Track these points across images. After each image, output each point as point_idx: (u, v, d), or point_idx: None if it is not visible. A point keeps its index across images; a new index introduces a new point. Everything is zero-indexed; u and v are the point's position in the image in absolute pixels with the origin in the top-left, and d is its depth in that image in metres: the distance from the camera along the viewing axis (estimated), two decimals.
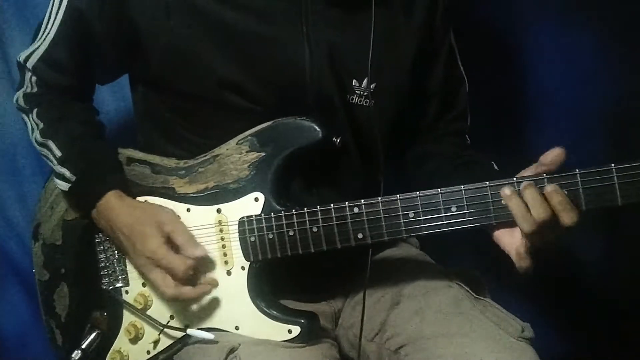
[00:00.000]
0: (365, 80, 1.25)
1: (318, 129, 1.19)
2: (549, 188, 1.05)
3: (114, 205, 1.24)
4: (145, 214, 1.23)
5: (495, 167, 1.28)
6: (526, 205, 1.05)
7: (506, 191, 1.06)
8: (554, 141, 1.09)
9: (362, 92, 1.26)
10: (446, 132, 1.41)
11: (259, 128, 1.22)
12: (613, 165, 1.04)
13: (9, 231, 1.82)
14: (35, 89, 1.33)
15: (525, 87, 1.74)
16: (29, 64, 1.31)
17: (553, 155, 1.06)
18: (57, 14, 1.28)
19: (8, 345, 1.84)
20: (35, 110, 1.32)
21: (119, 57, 1.30)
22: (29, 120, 1.33)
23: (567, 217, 1.04)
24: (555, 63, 1.69)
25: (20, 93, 1.35)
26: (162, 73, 1.26)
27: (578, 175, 1.06)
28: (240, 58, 1.21)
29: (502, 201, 1.08)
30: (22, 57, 1.33)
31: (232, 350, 1.19)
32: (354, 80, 1.25)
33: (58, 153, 1.28)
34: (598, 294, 1.81)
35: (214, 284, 1.23)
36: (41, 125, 1.30)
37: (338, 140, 1.21)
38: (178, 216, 1.25)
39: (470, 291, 1.28)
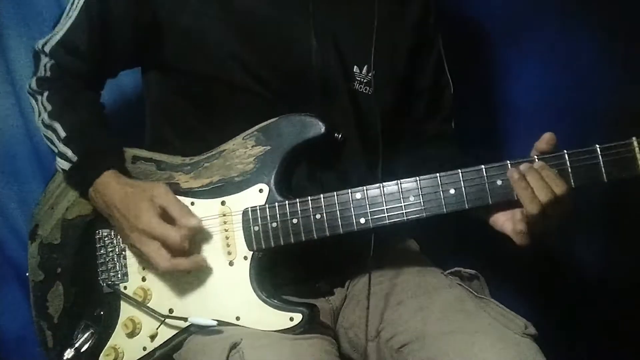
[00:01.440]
0: (366, 67, 1.34)
1: (321, 124, 1.26)
2: (537, 165, 1.14)
3: (110, 183, 1.26)
4: (138, 190, 1.25)
5: None
6: (532, 189, 1.13)
7: (514, 175, 1.14)
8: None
9: (362, 79, 1.34)
10: (434, 134, 1.49)
11: (265, 123, 1.29)
12: (597, 145, 1.14)
13: (9, 231, 1.81)
14: (48, 74, 1.37)
15: (524, 89, 1.83)
16: (47, 48, 1.36)
17: (547, 139, 1.15)
18: (77, 3, 1.34)
19: (8, 345, 1.81)
20: (45, 94, 1.35)
21: (135, 40, 1.35)
22: (37, 103, 1.36)
23: (558, 188, 1.13)
24: (554, 64, 1.79)
25: (33, 78, 1.38)
26: (176, 53, 1.32)
27: (566, 155, 1.15)
28: (249, 38, 1.29)
29: (498, 183, 1.17)
30: (39, 43, 1.38)
31: (234, 345, 1.19)
32: (355, 67, 1.34)
33: (63, 134, 1.31)
34: (598, 294, 1.84)
35: (203, 261, 1.25)
36: (49, 108, 1.34)
37: (340, 136, 1.29)
38: (169, 190, 1.26)
39: (471, 290, 1.31)
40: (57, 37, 1.36)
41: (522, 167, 1.15)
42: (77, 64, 1.36)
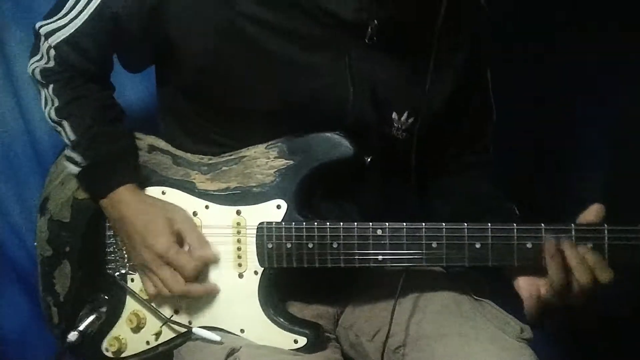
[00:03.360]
0: (406, 113, 1.24)
1: (350, 147, 1.19)
2: (582, 250, 1.07)
3: (126, 199, 1.23)
4: (157, 210, 1.22)
5: (517, 212, 1.27)
6: (565, 267, 1.07)
7: (551, 249, 1.08)
8: None
9: (400, 126, 1.25)
10: (469, 164, 1.40)
11: (291, 136, 1.21)
12: None
13: (9, 231, 1.79)
14: (52, 64, 1.26)
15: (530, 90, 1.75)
16: (51, 41, 1.25)
17: (595, 211, 1.08)
18: (87, 4, 1.22)
19: (8, 345, 1.82)
20: (51, 86, 1.27)
21: (149, 59, 1.29)
22: (44, 92, 1.28)
23: (604, 276, 1.07)
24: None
25: (36, 65, 1.28)
26: (194, 83, 1.23)
27: (605, 230, 1.08)
28: (280, 85, 1.19)
29: (528, 246, 1.10)
30: (43, 30, 1.26)
31: (232, 352, 1.19)
32: (394, 114, 1.24)
33: (72, 136, 1.25)
34: (597, 296, 1.84)
35: (217, 289, 1.23)
36: (57, 103, 1.26)
37: (369, 160, 1.21)
38: (190, 216, 1.24)
39: (470, 292, 1.29)
40: (63, 35, 1.23)
41: (566, 245, 1.08)
42: (84, 63, 1.26)
